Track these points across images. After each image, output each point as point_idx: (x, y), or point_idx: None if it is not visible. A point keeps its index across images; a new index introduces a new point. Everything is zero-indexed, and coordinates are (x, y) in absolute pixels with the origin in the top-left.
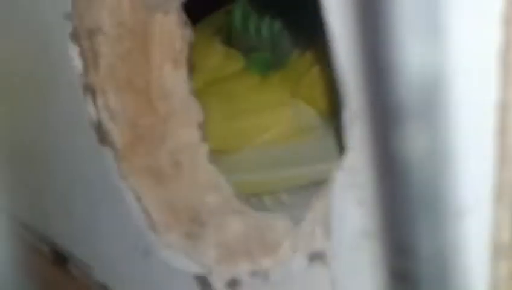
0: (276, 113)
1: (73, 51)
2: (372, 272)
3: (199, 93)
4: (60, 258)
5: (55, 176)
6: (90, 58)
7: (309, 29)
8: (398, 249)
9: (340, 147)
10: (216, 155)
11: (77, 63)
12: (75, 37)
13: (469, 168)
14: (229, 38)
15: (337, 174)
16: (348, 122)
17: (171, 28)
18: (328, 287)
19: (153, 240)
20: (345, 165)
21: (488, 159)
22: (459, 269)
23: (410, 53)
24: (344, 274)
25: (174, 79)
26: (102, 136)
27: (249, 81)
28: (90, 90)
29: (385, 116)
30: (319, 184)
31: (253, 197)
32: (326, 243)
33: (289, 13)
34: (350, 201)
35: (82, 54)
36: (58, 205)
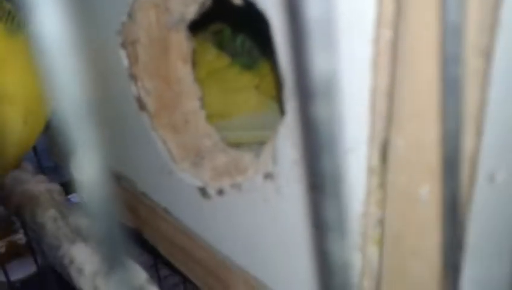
0: (249, 93)
1: (123, 54)
2: (299, 185)
3: (203, 80)
4: (116, 177)
5: (116, 129)
6: (133, 58)
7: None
8: (313, 172)
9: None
10: (213, 119)
11: (125, 61)
12: (123, 45)
13: (353, 124)
14: (220, 45)
15: (280, 127)
16: (287, 97)
17: (181, 40)
18: (275, 193)
19: (173, 166)
20: (284, 123)
21: (366, 119)
22: (348, 183)
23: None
24: (283, 186)
25: (183, 71)
26: (141, 105)
27: (233, 72)
28: (133, 77)
29: (305, 94)
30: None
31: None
32: (274, 168)
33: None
34: (287, 143)
35: (128, 56)
36: (117, 145)
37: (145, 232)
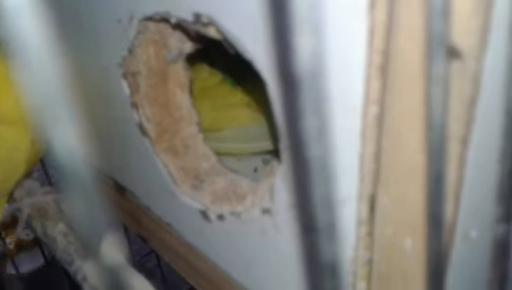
0: (239, 109)
1: (124, 84)
2: (296, 224)
3: (196, 96)
4: (120, 189)
5: (120, 151)
6: (134, 88)
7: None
8: (308, 219)
9: (271, 132)
10: (206, 133)
11: (126, 90)
12: (124, 76)
13: (344, 183)
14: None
15: (277, 171)
16: (282, 148)
17: (179, 70)
18: (272, 228)
19: (174, 188)
20: (280, 169)
21: (355, 179)
22: (340, 231)
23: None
24: (281, 223)
25: (181, 98)
26: (143, 131)
27: (225, 89)
28: (135, 105)
29: (299, 148)
30: (261, 153)
31: (224, 157)
32: (271, 205)
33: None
34: (283, 186)
35: (129, 86)
36: (122, 166)
37: (149, 241)
